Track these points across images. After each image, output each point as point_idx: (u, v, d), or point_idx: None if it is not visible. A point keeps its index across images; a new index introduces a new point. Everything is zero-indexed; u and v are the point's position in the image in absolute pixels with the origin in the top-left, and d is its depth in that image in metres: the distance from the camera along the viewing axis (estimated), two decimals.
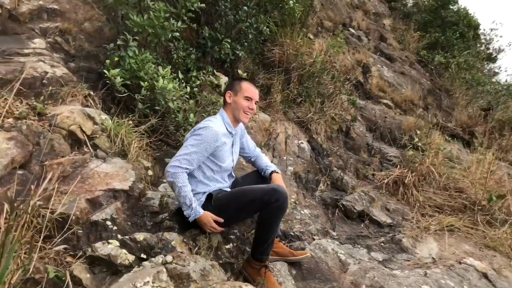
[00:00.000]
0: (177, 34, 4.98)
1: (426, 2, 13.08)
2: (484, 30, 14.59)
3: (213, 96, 5.01)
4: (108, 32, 5.35)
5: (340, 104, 7.52)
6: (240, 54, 6.58)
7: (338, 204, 5.75)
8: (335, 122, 7.22)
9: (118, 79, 4.14)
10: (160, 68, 4.50)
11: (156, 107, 4.38)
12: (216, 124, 3.28)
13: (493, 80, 13.28)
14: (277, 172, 3.72)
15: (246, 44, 6.65)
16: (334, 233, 5.08)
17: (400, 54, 10.62)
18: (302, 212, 5.04)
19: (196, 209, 3.24)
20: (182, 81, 5.17)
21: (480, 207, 6.02)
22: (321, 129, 6.85)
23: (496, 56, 14.27)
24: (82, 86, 4.51)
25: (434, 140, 7.22)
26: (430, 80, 10.46)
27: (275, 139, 6.23)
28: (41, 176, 3.33)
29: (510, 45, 14.24)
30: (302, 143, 6.40)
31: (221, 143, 3.26)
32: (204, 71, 5.92)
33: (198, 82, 5.83)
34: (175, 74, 5.09)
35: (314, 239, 4.59)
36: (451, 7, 13.33)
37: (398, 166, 6.74)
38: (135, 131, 4.16)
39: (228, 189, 3.54)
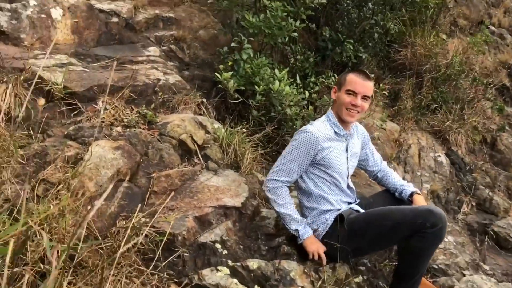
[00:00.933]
0: (296, 34, 4.48)
1: None
2: None
3: None
4: (223, 37, 5.05)
5: (483, 112, 6.39)
6: (364, 57, 5.87)
7: (487, 231, 4.74)
8: (477, 132, 6.12)
9: (231, 83, 3.73)
10: (276, 71, 4.02)
11: (272, 114, 3.89)
12: (317, 127, 2.76)
13: None
14: (418, 193, 2.97)
15: (370, 45, 5.93)
16: (487, 267, 4.11)
17: None
18: (446, 240, 4.14)
19: (301, 230, 2.71)
20: (300, 86, 4.64)
21: None
22: (461, 140, 5.82)
23: None
24: (195, 94, 4.22)
25: None
26: None
27: (406, 151, 5.39)
28: (147, 189, 3.01)
29: None
30: (439, 156, 5.46)
31: (324, 147, 2.67)
32: (323, 76, 5.33)
33: (316, 88, 5.26)
34: (292, 79, 4.58)
35: (464, 275, 3.69)
36: None
37: None
38: (249, 141, 3.71)
39: (358, 208, 2.88)
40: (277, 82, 3.75)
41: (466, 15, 8.48)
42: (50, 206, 2.35)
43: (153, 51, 4.63)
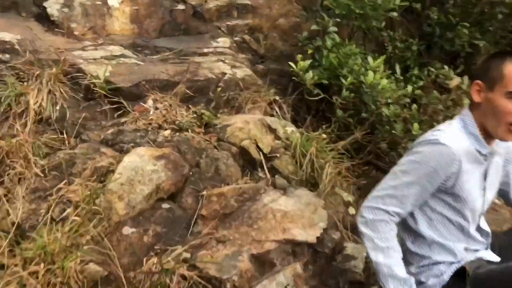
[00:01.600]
0: (395, 14, 3.56)
1: None
2: None
3: (447, 98, 3.38)
4: (306, 26, 4.26)
5: None
6: (481, 45, 4.73)
7: None
8: None
9: (309, 75, 2.93)
10: (370, 58, 3.15)
11: (363, 115, 3.02)
12: (451, 136, 1.73)
13: None
14: None
15: (491, 29, 4.76)
16: None
17: None
18: None
19: None
20: (400, 80, 3.70)
21: None
22: None
23: None
24: (267, 91, 3.49)
25: None
26: None
27: None
28: (194, 212, 2.34)
29: None
30: None
31: (463, 170, 1.70)
32: (429, 68, 4.31)
33: (421, 83, 4.25)
34: (389, 72, 3.66)
35: None
36: None
37: None
38: (331, 149, 2.89)
39: (491, 256, 1.91)
40: (370, 73, 2.87)
41: None
42: (46, 241, 1.75)
43: (223, 42, 3.98)
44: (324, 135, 2.85)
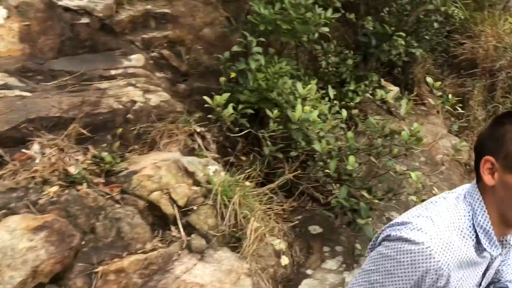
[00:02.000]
0: (326, 29, 3.21)
1: None
2: None
3: (384, 125, 3.05)
4: (231, 36, 3.82)
5: None
6: (417, 53, 4.52)
7: None
8: None
9: (228, 111, 2.50)
10: (299, 85, 2.76)
11: (292, 154, 2.64)
12: (443, 239, 1.20)
13: None
14: None
15: (426, 38, 4.56)
16: None
17: None
18: None
19: None
20: (334, 100, 3.37)
21: None
22: None
23: None
24: (187, 119, 3.03)
25: None
26: None
27: None
28: None
29: None
30: None
31: (447, 283, 1.27)
32: (366, 82, 4.03)
33: (357, 99, 3.96)
34: (323, 91, 3.32)
35: None
36: None
37: None
38: (258, 194, 2.49)
39: None
40: (298, 107, 2.48)
41: None
42: None
43: (136, 59, 3.47)
44: (248, 183, 2.42)
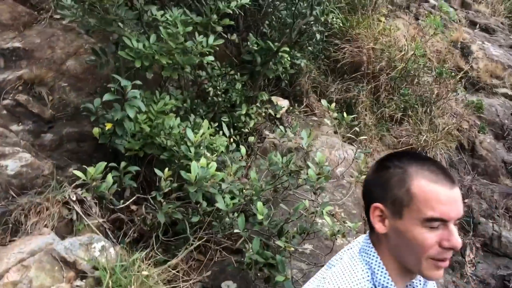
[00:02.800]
0: (211, 58, 2.88)
1: None
2: None
3: (291, 157, 2.81)
4: (99, 70, 3.29)
5: (450, 110, 5.21)
6: (302, 64, 4.41)
7: (507, 285, 3.54)
8: (452, 137, 4.92)
9: (107, 184, 2.05)
10: (189, 132, 2.39)
11: (193, 219, 2.27)
12: None
13: None
14: None
15: (309, 48, 4.47)
16: None
17: (495, 22, 8.09)
18: None
19: None
20: (230, 134, 3.07)
21: None
22: (441, 155, 4.57)
23: None
24: (58, 184, 2.51)
25: None
26: None
27: None
28: None
29: None
30: None
31: None
32: (258, 105, 3.80)
33: (252, 123, 3.72)
34: (216, 126, 2.99)
35: None
36: None
37: None
38: (163, 272, 2.09)
39: None
40: (194, 165, 2.10)
41: None
42: None
43: None
44: (146, 260, 2.00)
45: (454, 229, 1.09)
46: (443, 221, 1.08)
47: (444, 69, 5.11)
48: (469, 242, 3.82)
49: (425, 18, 5.72)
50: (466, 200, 4.22)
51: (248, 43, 3.76)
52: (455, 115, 5.13)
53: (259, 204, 2.41)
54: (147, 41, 2.68)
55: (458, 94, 5.25)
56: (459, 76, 5.70)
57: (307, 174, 2.52)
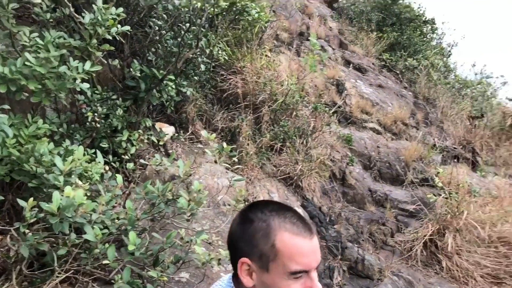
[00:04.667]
0: (87, 85, 2.83)
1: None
2: (435, 24, 13.43)
3: (168, 186, 2.84)
4: None
5: (324, 142, 5.65)
6: (188, 93, 4.50)
7: None
8: (325, 167, 5.32)
9: None
10: (58, 160, 2.32)
11: (60, 251, 2.18)
12: None
13: (452, 76, 12.11)
14: None
15: (196, 78, 4.58)
16: None
17: (367, 62, 8.99)
18: None
19: None
20: (108, 161, 3.01)
21: None
22: (314, 183, 4.91)
23: (450, 51, 13.19)
24: None
25: (452, 173, 5.54)
26: (403, 88, 8.93)
27: None
28: None
29: (464, 38, 13.19)
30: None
31: None
32: (140, 131, 3.78)
33: (132, 150, 3.68)
34: (92, 153, 2.93)
35: None
36: (401, 1, 12.01)
37: (422, 220, 4.99)
38: None
39: None
40: (55, 196, 2.03)
41: (286, 27, 7.82)
42: None
43: None
44: None
45: (315, 275, 1.23)
46: (306, 271, 1.21)
47: (320, 104, 5.55)
48: (337, 265, 4.13)
49: (305, 55, 6.16)
50: (335, 226, 4.58)
51: (132, 69, 3.74)
52: (328, 147, 5.58)
53: (132, 234, 2.40)
54: (13, 66, 2.55)
55: (332, 127, 5.72)
56: (334, 110, 6.23)
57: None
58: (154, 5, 3.67)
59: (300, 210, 4.50)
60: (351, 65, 8.18)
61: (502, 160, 7.70)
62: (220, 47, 4.75)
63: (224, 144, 3.34)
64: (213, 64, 5.19)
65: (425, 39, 11.59)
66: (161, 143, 4.18)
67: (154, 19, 3.94)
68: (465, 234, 4.68)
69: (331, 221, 4.60)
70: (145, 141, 3.82)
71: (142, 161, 3.34)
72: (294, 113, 5.39)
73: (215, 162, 4.00)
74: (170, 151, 4.42)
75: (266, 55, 6.12)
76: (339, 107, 6.69)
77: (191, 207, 2.51)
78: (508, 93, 10.16)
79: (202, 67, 4.36)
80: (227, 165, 3.72)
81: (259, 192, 4.46)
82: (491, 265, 4.51)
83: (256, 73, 5.40)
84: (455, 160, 6.86)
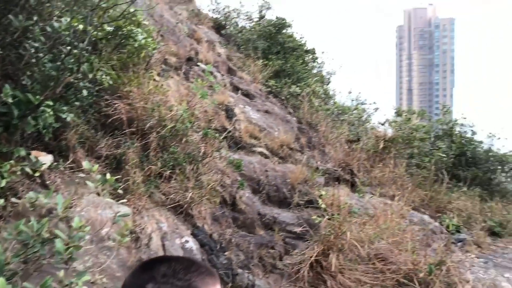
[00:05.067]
0: None
1: (264, 28, 12.15)
2: (316, 53, 14.43)
3: (43, 226, 2.59)
4: None
5: (215, 167, 5.68)
6: (68, 118, 4.22)
7: None
8: (216, 192, 5.33)
9: None
10: None
11: None
12: None
13: (331, 102, 13.06)
14: None
15: (77, 103, 4.32)
16: None
17: (255, 88, 9.30)
18: None
19: None
20: None
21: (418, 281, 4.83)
22: (205, 210, 4.88)
23: (329, 79, 14.23)
24: None
25: (334, 195, 5.91)
26: (288, 114, 9.39)
27: (146, 246, 4.04)
28: None
29: (341, 67, 14.36)
30: (186, 241, 4.34)
31: None
32: (11, 162, 3.43)
33: (3, 183, 3.32)
34: None
35: None
36: (285, 31, 12.72)
37: (308, 241, 5.22)
38: None
39: None
40: None
41: (175, 52, 7.78)
42: None
43: None
44: None
45: None
46: None
47: (209, 130, 5.58)
48: None
49: (195, 80, 6.18)
50: (226, 253, 4.58)
51: (4, 94, 3.40)
52: (219, 172, 5.60)
53: (1, 280, 2.14)
54: None
55: (222, 152, 5.77)
56: (224, 136, 6.30)
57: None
58: (30, 27, 3.41)
59: (190, 239, 4.43)
60: (240, 91, 8.40)
61: (377, 181, 8.41)
62: (104, 71, 4.55)
63: (108, 175, 3.18)
64: (97, 89, 4.95)
65: (307, 67, 12.36)
66: (37, 174, 3.83)
67: (30, 41, 3.65)
68: (347, 253, 4.98)
69: (221, 248, 4.59)
70: (18, 172, 3.48)
71: (13, 199, 3.02)
72: (184, 139, 5.33)
73: (97, 194, 3.77)
74: (48, 182, 4.08)
75: (154, 80, 6.02)
76: (228, 132, 6.79)
77: (70, 251, 2.32)
78: (380, 118, 11.22)
79: (84, 92, 4.13)
80: (111, 197, 3.53)
81: (147, 222, 4.30)
82: (370, 281, 4.84)
83: (143, 98, 5.26)
84: (336, 182, 7.33)
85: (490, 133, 11.69)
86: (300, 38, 13.31)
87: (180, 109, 5.38)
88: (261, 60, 11.28)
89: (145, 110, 5.20)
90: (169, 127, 5.16)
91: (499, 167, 11.23)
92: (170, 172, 4.93)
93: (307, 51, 12.51)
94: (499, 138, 11.53)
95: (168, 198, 4.70)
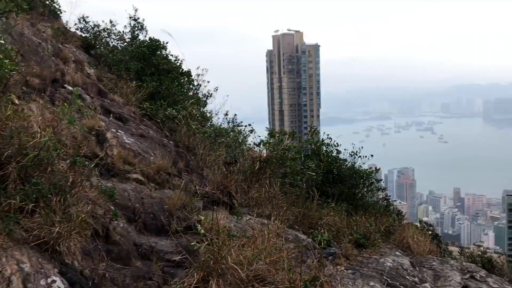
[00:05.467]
0: None
1: (137, 49, 11.83)
2: (192, 76, 14.45)
3: None
4: None
5: (85, 197, 5.30)
6: None
7: None
8: (87, 225, 4.96)
9: None
10: None
11: None
12: None
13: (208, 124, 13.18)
14: None
15: None
16: None
17: (128, 111, 8.95)
18: None
19: None
20: None
21: None
22: (75, 245, 4.49)
23: (206, 101, 14.34)
24: None
25: (213, 219, 5.89)
26: (165, 137, 9.20)
27: None
28: None
29: (217, 90, 14.54)
30: (53, 281, 3.94)
31: None
32: None
33: None
34: None
35: None
36: (159, 52, 12.58)
37: (188, 269, 5.09)
38: None
39: None
40: None
41: (38, 73, 7.16)
42: None
43: None
44: None
45: None
46: None
47: (78, 157, 5.20)
48: None
49: (61, 104, 5.73)
50: None
51: None
52: (90, 202, 5.23)
53: None
54: None
55: (93, 181, 5.41)
56: (95, 163, 5.92)
57: None
58: None
59: (58, 279, 4.03)
60: (112, 114, 8.01)
61: (254, 201, 8.61)
62: None
63: None
64: None
65: (182, 89, 12.32)
66: None
67: None
68: (227, 277, 4.97)
69: (94, 284, 4.26)
70: None
71: None
72: (49, 168, 4.89)
73: None
74: None
75: (13, 103, 5.46)
76: (100, 159, 6.40)
77: None
78: (255, 139, 11.64)
79: None
80: None
81: (5, 264, 3.82)
82: None
83: (0, 125, 4.72)
84: (215, 205, 7.33)
85: (352, 152, 12.80)
86: (175, 60, 13.28)
87: (44, 135, 4.93)
88: (134, 82, 10.95)
89: (2, 137, 4.67)
90: (31, 155, 4.68)
91: (361, 182, 12.34)
92: (33, 206, 4.46)
93: (182, 73, 12.49)
94: (360, 156, 12.67)
95: (31, 235, 4.23)
